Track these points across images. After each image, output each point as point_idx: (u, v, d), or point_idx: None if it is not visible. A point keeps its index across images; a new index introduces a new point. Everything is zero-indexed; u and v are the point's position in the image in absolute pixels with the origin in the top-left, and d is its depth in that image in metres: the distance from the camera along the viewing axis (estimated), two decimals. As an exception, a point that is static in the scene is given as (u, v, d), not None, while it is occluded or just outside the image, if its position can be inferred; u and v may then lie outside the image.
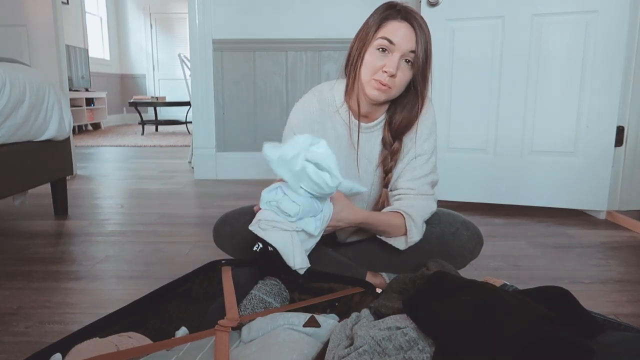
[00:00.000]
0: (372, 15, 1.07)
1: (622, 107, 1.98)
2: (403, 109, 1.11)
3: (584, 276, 1.41)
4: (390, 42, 1.01)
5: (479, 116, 2.11)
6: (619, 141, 2.01)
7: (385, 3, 1.07)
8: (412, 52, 1.02)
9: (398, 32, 1.01)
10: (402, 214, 1.10)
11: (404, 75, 1.04)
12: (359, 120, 1.14)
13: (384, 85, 1.03)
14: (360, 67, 1.06)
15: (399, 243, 1.12)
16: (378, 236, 1.15)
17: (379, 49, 1.02)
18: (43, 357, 0.74)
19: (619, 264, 1.52)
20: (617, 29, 1.88)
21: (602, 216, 2.06)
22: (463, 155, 2.16)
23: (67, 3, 6.03)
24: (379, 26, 1.03)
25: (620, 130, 2.00)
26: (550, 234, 1.84)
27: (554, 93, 2.00)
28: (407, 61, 1.03)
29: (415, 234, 1.10)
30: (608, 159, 1.98)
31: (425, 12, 2.10)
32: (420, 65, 1.03)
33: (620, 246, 1.70)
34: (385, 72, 1.02)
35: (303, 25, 2.80)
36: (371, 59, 1.04)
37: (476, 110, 2.11)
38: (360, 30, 1.08)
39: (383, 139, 1.15)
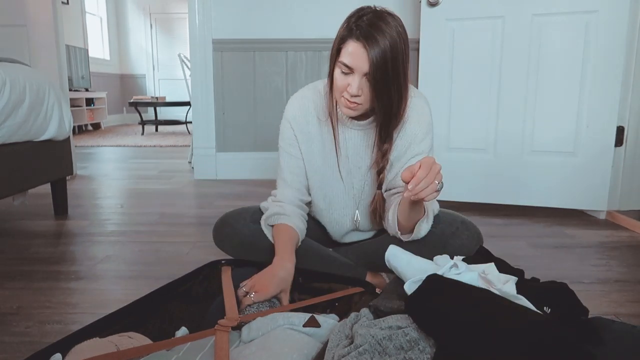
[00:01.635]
0: (341, 25, 1.05)
1: (622, 107, 1.98)
2: (384, 114, 1.11)
3: (583, 276, 1.41)
4: (348, 67, 1.02)
5: (478, 116, 2.11)
6: (618, 141, 2.01)
7: (356, 11, 1.04)
8: (366, 74, 1.01)
9: (354, 54, 1.01)
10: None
11: (369, 91, 1.04)
12: (334, 120, 1.15)
13: (352, 103, 1.05)
14: (332, 82, 1.09)
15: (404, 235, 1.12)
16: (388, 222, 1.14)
17: (341, 71, 1.04)
18: (43, 357, 0.74)
19: (619, 264, 1.52)
20: (617, 29, 1.88)
21: (602, 216, 2.06)
22: (463, 155, 2.16)
23: (67, 3, 6.03)
24: (340, 46, 1.04)
25: (620, 130, 2.00)
26: (550, 234, 1.84)
27: (553, 93, 2.00)
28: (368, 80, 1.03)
29: (425, 228, 1.10)
30: (608, 159, 1.97)
31: (425, 12, 2.10)
32: (378, 83, 1.01)
33: (620, 246, 1.70)
34: (349, 92, 1.04)
35: (303, 25, 2.80)
36: (337, 78, 1.06)
37: (476, 110, 2.11)
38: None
39: (374, 140, 1.16)
